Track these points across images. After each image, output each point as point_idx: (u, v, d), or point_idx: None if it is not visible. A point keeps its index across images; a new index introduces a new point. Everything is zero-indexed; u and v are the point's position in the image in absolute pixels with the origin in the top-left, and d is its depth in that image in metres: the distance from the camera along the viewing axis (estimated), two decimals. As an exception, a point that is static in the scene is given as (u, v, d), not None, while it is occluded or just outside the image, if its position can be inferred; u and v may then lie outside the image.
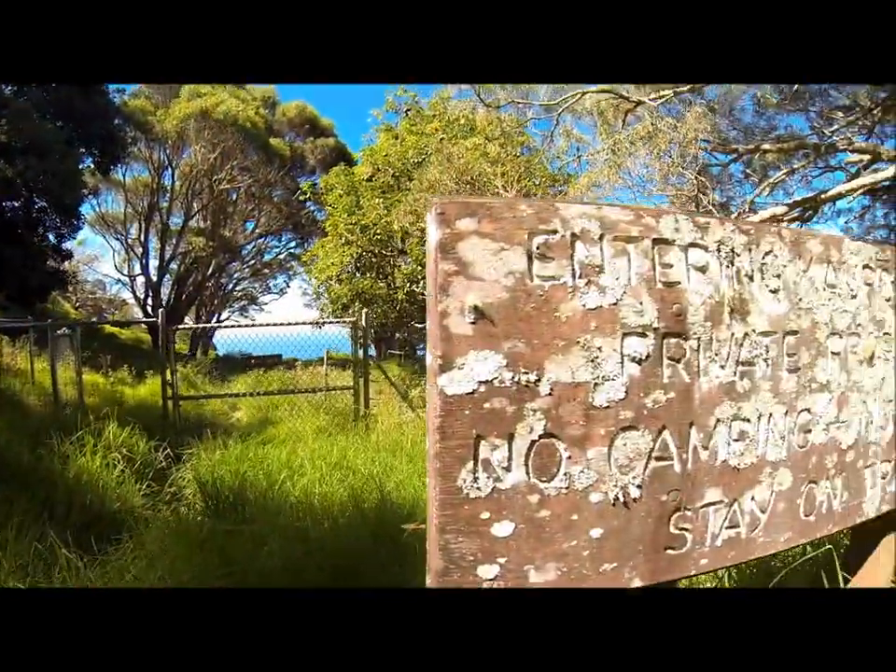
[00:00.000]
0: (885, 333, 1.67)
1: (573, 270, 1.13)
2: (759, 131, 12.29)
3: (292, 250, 30.77)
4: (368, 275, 14.63)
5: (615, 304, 1.17)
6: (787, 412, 1.42)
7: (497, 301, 1.05)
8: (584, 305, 1.13)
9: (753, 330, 1.36)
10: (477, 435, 1.04)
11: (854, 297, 1.59)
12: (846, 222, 13.70)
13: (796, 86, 10.34)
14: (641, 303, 1.19)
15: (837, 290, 1.55)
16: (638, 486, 1.19)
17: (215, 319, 29.60)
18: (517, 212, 1.09)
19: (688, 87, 10.00)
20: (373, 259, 14.50)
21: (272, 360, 16.68)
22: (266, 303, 34.13)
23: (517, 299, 1.07)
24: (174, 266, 27.42)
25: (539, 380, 1.09)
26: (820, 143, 10.26)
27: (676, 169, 7.77)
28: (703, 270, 1.29)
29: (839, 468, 1.55)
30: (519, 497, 1.08)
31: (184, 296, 27.49)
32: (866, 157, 9.70)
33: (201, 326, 21.95)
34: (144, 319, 22.55)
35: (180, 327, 16.48)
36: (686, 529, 1.27)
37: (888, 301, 1.68)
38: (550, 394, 1.10)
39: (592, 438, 1.14)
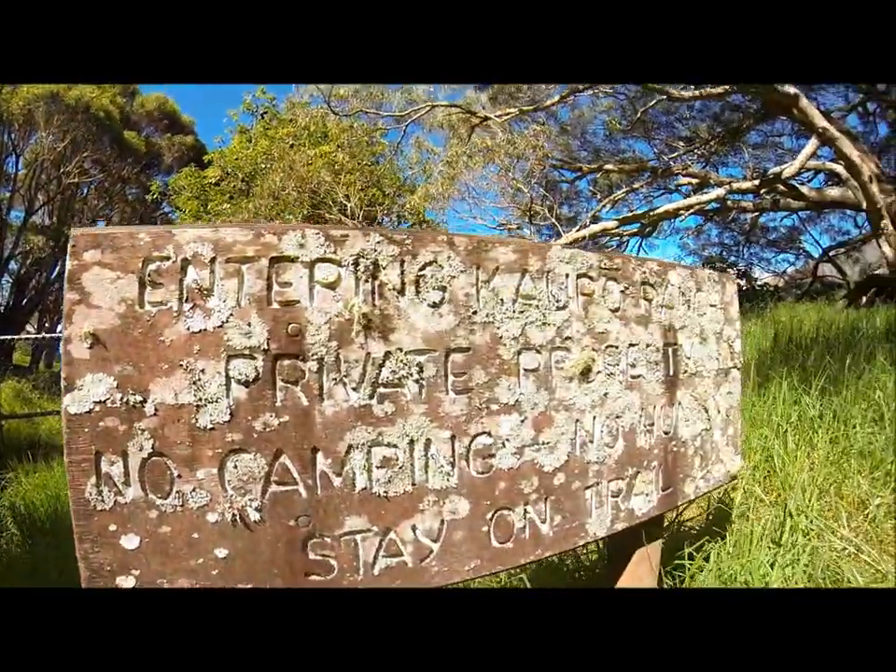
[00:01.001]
0: (609, 346, 1.57)
1: (181, 294, 1.13)
2: (605, 153, 13.05)
3: (148, 254, 28.86)
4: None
5: (220, 327, 1.14)
6: (454, 436, 1.30)
7: (110, 327, 1.09)
8: (188, 329, 1.13)
9: (399, 349, 1.24)
10: (96, 451, 1.08)
11: (562, 308, 1.49)
12: (680, 238, 14.85)
13: (639, 113, 11.05)
14: (250, 325, 1.16)
15: (536, 302, 1.44)
16: (258, 510, 1.16)
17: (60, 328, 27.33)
18: (136, 240, 1.11)
19: (533, 107, 10.36)
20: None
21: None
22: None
23: (127, 325, 1.10)
24: (14, 266, 25.07)
25: (144, 401, 1.10)
26: (658, 167, 10.96)
27: (514, 183, 7.92)
28: (332, 286, 1.20)
29: (543, 492, 1.45)
30: (139, 511, 1.11)
31: (24, 301, 25.18)
32: (695, 181, 10.44)
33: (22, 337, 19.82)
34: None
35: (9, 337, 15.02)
36: (329, 556, 1.21)
37: (614, 311, 1.59)
38: (155, 414, 1.11)
39: (200, 458, 1.13)
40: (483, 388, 1.35)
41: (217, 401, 1.13)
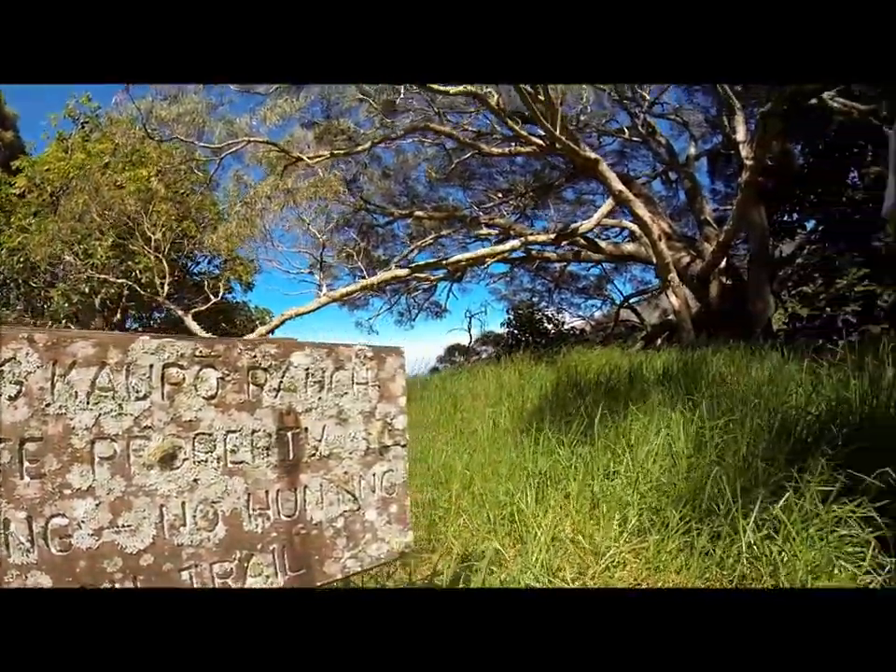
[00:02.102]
0: (200, 434, 1.61)
1: None
2: (423, 199, 13.56)
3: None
4: (13, 308, 12.84)
5: None
6: (30, 516, 1.36)
7: None
8: None
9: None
10: None
11: (143, 398, 1.51)
12: (486, 284, 15.77)
13: (454, 164, 11.63)
14: None
15: (113, 393, 1.49)
16: None
17: None
18: None
19: (361, 147, 10.55)
20: (19, 291, 12.78)
21: None
22: None
23: None
24: None
25: None
26: (468, 215, 11.55)
27: (309, 228, 7.96)
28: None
29: (129, 571, 1.49)
30: None
31: None
32: (496, 231, 11.11)
33: None
34: None
35: None
36: None
37: (209, 399, 1.63)
38: None
39: None
40: (55, 474, 1.39)
41: None
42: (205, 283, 13.30)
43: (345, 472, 1.97)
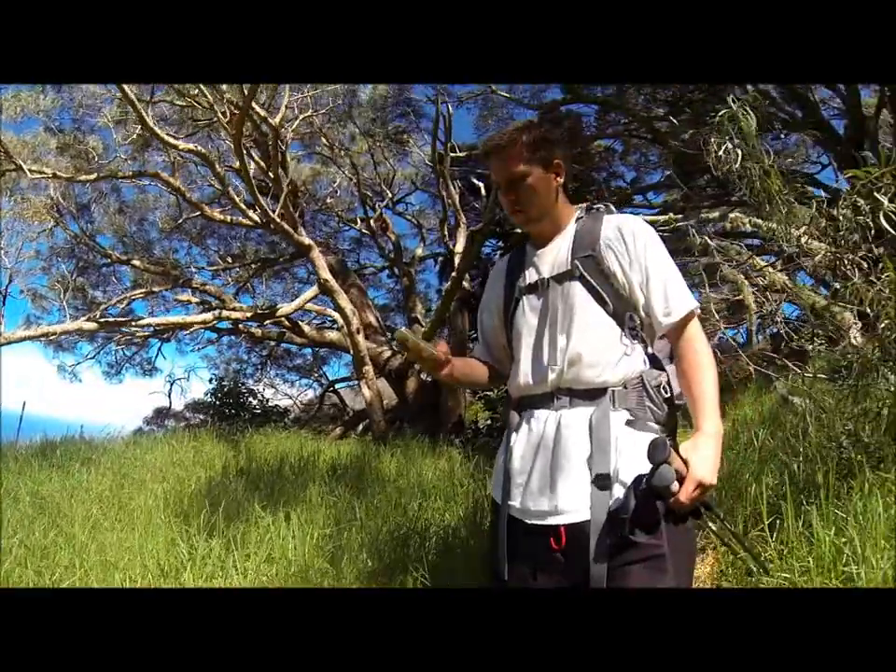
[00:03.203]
0: None
1: None
2: (152, 244, 12.92)
3: None
4: None
5: None
6: None
7: None
8: None
9: None
10: None
11: None
12: (199, 350, 15.31)
13: (183, 217, 11.34)
14: None
15: None
16: None
17: None
18: None
19: (85, 178, 9.80)
20: None
21: None
22: None
23: None
24: None
25: None
26: (180, 275, 11.27)
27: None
28: None
29: None
30: None
31: None
32: (196, 298, 10.87)
33: None
34: None
35: None
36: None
37: None
38: None
39: None
40: None
41: None
42: None
43: None
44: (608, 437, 1.48)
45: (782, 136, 11.07)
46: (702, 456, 1.37)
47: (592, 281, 1.58)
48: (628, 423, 1.51)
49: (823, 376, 4.68)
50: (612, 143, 13.04)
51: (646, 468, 1.37)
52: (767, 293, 5.41)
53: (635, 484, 1.39)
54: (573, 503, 1.47)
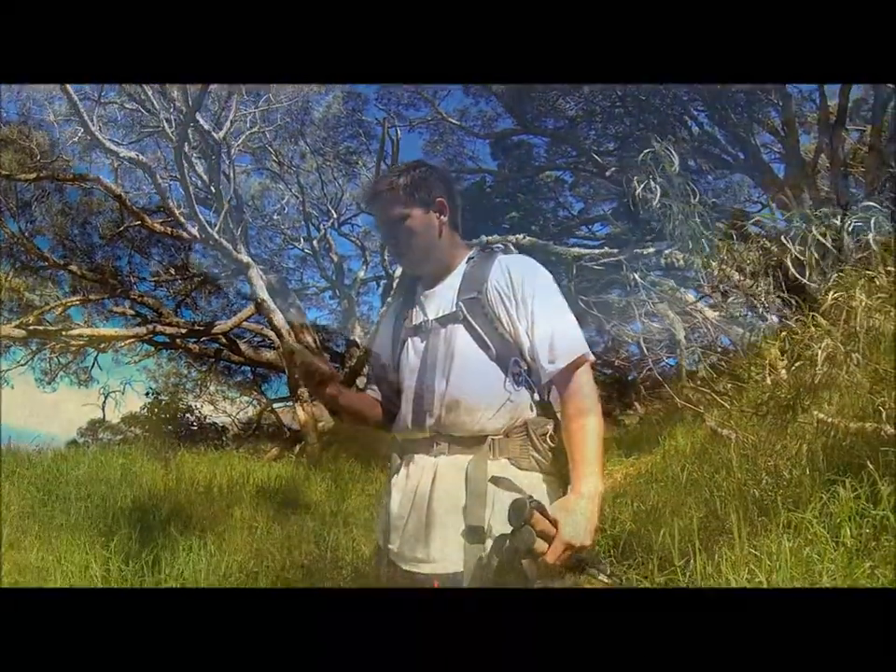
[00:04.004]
0: None
1: None
2: (94, 249, 12.59)
3: None
4: None
5: None
6: None
7: None
8: None
9: None
10: None
11: None
12: (136, 362, 14.95)
13: (123, 226, 11.09)
14: None
15: None
16: None
17: None
18: None
19: (25, 176, 9.49)
20: None
21: None
22: None
23: None
24: None
25: None
26: (118, 285, 11.03)
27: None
28: None
29: None
30: None
31: None
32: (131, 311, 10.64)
33: None
34: None
35: None
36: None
37: None
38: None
39: None
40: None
41: None
42: None
43: None
44: (483, 488, 1.42)
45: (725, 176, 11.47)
46: (572, 519, 1.30)
47: (474, 324, 1.50)
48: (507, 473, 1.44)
49: (749, 410, 4.75)
50: (562, 174, 13.29)
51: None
52: (704, 326, 5.53)
53: (499, 543, 1.34)
54: (446, 553, 1.42)
